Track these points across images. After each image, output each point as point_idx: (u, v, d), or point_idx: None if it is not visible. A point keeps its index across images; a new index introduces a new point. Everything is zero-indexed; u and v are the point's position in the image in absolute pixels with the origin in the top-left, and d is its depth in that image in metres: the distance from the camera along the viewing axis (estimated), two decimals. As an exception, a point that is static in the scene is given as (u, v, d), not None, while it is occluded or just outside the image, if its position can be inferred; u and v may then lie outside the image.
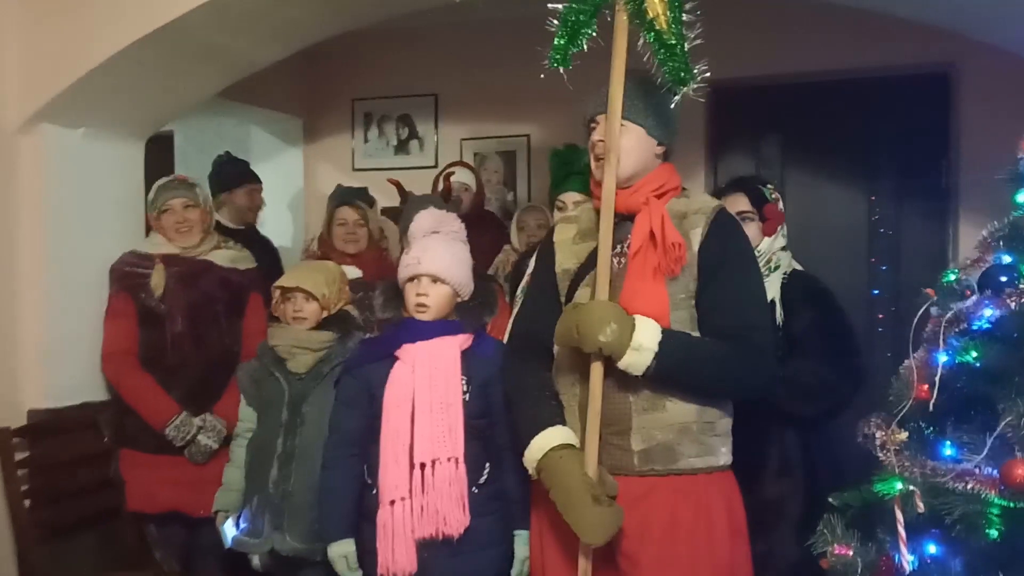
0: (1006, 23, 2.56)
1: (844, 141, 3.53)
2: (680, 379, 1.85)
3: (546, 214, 3.32)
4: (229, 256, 3.06)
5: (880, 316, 3.53)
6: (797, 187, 3.68)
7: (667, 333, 1.82)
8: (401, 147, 4.21)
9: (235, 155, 3.85)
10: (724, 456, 1.94)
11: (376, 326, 2.34)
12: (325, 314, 2.78)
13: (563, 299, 2.04)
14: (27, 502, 2.76)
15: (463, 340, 2.21)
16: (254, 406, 2.78)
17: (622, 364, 1.81)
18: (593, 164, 1.97)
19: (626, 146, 1.93)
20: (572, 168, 2.62)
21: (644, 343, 1.79)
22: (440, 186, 3.71)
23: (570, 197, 2.58)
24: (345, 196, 3.53)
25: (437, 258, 2.21)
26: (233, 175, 3.82)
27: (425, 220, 2.30)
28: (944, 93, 3.54)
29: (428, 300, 2.19)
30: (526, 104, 3.92)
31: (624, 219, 1.96)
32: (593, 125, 1.97)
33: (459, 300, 2.25)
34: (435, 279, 2.20)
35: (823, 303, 2.44)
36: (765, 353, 1.90)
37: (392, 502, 2.10)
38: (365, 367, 2.27)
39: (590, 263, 1.96)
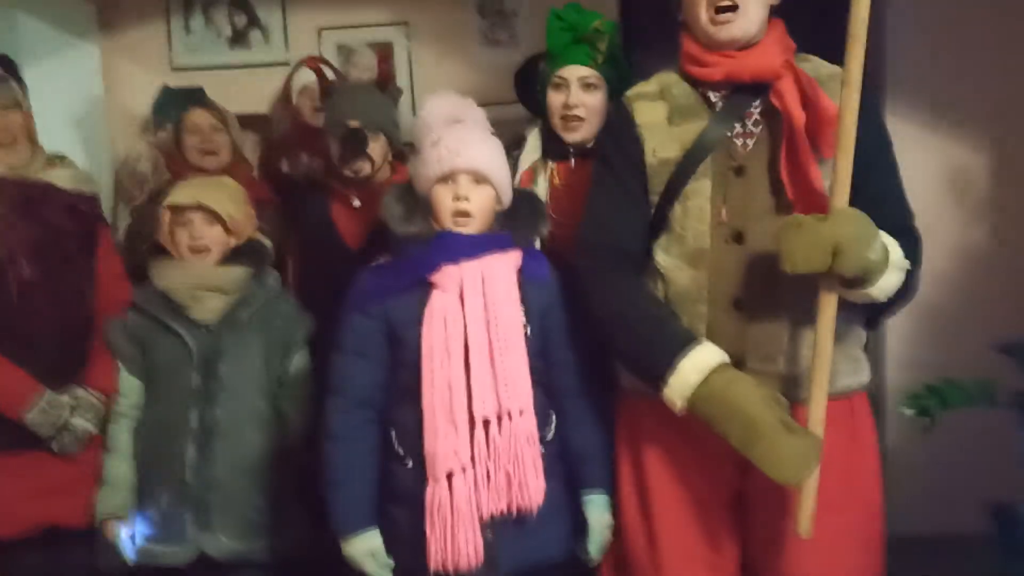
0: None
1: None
2: (902, 299, 1.57)
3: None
4: (71, 176, 2.24)
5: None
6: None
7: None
8: (238, 39, 3.37)
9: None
10: (868, 371, 1.70)
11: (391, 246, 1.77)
12: (233, 243, 2.13)
13: (655, 196, 1.63)
14: None
15: (516, 258, 1.73)
16: (139, 375, 2.14)
17: (874, 289, 1.49)
18: (706, 18, 1.59)
19: None
20: (577, 34, 2.06)
21: (901, 260, 1.50)
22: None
23: (574, 72, 2.05)
24: (193, 97, 2.79)
25: (479, 150, 1.70)
26: None
27: (442, 106, 1.77)
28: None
29: (471, 205, 1.69)
30: (402, -19, 3.30)
31: (738, 89, 1.61)
32: None
33: (499, 209, 1.76)
34: (478, 178, 1.69)
35: None
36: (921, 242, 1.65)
37: (450, 474, 1.63)
38: (383, 301, 1.71)
39: (700, 150, 1.60)
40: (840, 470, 1.59)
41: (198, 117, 2.70)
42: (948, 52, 3.14)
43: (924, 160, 3.16)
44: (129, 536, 2.05)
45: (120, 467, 2.09)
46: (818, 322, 1.50)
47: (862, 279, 1.48)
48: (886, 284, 1.50)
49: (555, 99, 2.07)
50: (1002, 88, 3.08)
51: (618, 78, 2.10)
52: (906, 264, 1.53)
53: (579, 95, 2.05)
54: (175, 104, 2.82)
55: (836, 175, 1.46)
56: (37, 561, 2.12)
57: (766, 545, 1.64)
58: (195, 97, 2.78)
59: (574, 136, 2.07)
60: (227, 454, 2.04)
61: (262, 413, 2.10)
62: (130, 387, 2.12)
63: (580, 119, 2.05)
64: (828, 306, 1.49)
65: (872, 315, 1.66)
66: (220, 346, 2.07)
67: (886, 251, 1.49)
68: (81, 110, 3.42)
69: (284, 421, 2.14)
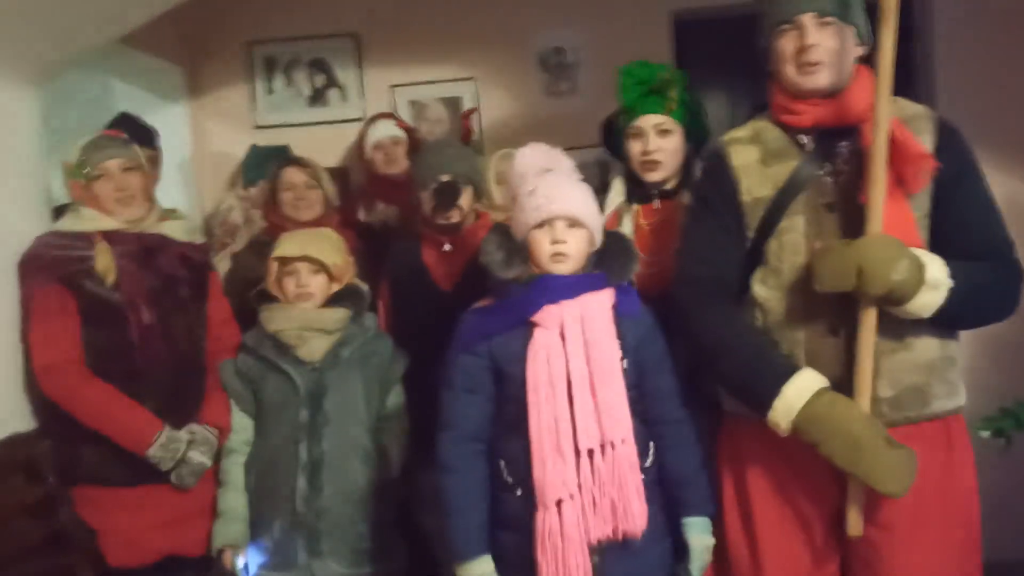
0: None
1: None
2: (958, 315, 1.63)
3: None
4: (183, 228, 2.42)
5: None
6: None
7: (951, 264, 1.60)
8: (317, 97, 3.58)
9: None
10: (963, 394, 1.75)
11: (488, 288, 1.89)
12: (334, 288, 2.30)
13: (751, 232, 1.75)
14: (-49, 580, 2.02)
15: (610, 296, 1.83)
16: (250, 412, 2.28)
17: (912, 306, 1.57)
18: (793, 71, 1.71)
19: (836, 49, 1.69)
20: (648, 86, 2.21)
21: (940, 279, 1.57)
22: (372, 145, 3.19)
23: (649, 120, 2.20)
24: (287, 156, 3.03)
25: (573, 197, 1.82)
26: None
27: (534, 157, 1.89)
28: (921, 10, 3.33)
29: (567, 248, 1.80)
30: (468, 40, 3.46)
31: (826, 133, 1.72)
32: (784, 27, 1.71)
33: (592, 250, 1.87)
34: (573, 222, 1.81)
35: None
36: (1022, 271, 1.71)
37: (559, 502, 1.71)
38: (489, 340, 1.82)
39: (792, 188, 1.70)
40: (938, 490, 1.66)
41: (293, 175, 2.86)
42: (998, 85, 3.20)
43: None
44: (245, 564, 2.16)
45: (234, 499, 2.21)
46: (859, 336, 1.60)
47: (897, 297, 1.57)
48: (925, 302, 1.59)
49: (634, 147, 2.22)
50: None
51: (691, 120, 2.24)
52: (947, 283, 1.59)
53: (656, 141, 2.19)
54: (268, 162, 3.00)
55: (868, 203, 1.59)
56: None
57: (866, 560, 1.71)
58: (289, 156, 2.99)
59: (654, 176, 2.20)
60: (334, 484, 2.16)
61: (364, 445, 2.22)
62: (242, 424, 2.26)
63: (658, 162, 2.19)
64: (867, 321, 1.60)
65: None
66: (325, 383, 2.20)
67: (917, 272, 1.56)
68: (172, 166, 3.65)
69: (383, 453, 2.26)
